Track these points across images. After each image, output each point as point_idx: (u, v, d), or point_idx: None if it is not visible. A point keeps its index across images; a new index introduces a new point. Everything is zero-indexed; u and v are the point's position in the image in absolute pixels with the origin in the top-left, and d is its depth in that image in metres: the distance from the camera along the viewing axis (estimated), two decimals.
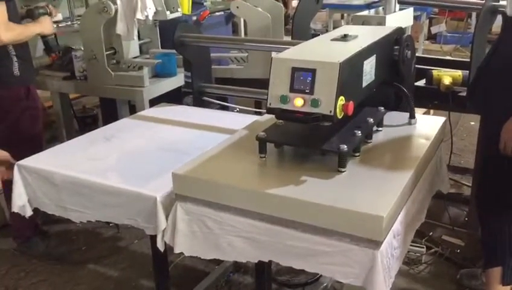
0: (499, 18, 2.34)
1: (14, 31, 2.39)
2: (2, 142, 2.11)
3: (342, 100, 1.39)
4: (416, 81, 2.21)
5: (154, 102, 2.75)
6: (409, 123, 1.81)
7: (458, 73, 2.49)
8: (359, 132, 1.51)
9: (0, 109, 2.52)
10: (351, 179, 1.43)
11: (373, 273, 1.27)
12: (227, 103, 2.88)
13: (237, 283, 2.54)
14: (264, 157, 1.54)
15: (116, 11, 2.76)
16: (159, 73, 3.00)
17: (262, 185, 1.41)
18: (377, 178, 1.44)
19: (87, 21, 2.85)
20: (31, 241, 2.80)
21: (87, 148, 1.99)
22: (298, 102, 1.40)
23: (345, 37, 1.65)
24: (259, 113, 2.45)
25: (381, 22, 2.54)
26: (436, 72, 2.52)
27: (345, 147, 1.42)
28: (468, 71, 2.37)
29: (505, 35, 2.01)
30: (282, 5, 3.54)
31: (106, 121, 3.02)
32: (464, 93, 2.40)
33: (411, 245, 2.46)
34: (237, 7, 3.05)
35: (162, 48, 3.15)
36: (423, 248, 2.63)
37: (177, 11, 2.96)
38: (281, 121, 1.57)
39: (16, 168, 1.85)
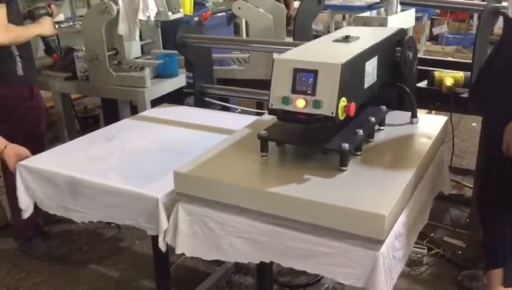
0: (501, 19, 2.34)
1: (13, 32, 2.40)
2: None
3: (343, 101, 1.39)
4: (418, 83, 2.21)
5: (155, 103, 2.75)
6: (411, 122, 1.81)
7: (460, 74, 2.48)
8: (361, 131, 1.51)
9: (4, 109, 2.53)
10: (353, 178, 1.43)
11: (374, 275, 1.27)
12: (229, 103, 2.88)
13: (238, 283, 2.54)
14: (266, 156, 1.54)
15: (118, 11, 2.76)
16: (161, 74, 3.00)
17: (264, 183, 1.41)
18: (379, 177, 1.44)
19: (89, 21, 2.85)
20: (32, 241, 2.80)
21: (89, 148, 1.99)
22: (300, 103, 1.40)
23: (346, 38, 1.65)
24: (261, 114, 2.44)
25: (382, 23, 2.54)
26: (438, 73, 2.52)
27: (347, 145, 1.42)
28: (470, 72, 2.37)
29: (506, 36, 2.01)
30: (283, 6, 3.55)
31: (107, 122, 3.02)
32: (466, 95, 2.39)
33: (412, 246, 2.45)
34: (239, 8, 3.05)
35: (163, 48, 3.15)
36: (424, 249, 2.63)
37: (178, 11, 2.96)
38: None
39: (17, 168, 1.85)
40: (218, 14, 3.81)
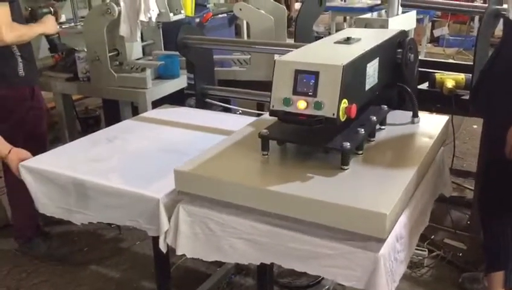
0: (502, 21, 2.34)
1: (17, 31, 2.40)
2: (7, 142, 2.11)
3: (345, 103, 1.39)
4: (419, 85, 2.21)
5: (156, 104, 2.76)
6: (412, 122, 1.81)
7: (461, 76, 2.48)
8: (362, 130, 1.51)
9: (5, 109, 2.53)
10: (354, 177, 1.43)
11: (375, 277, 1.26)
12: (230, 105, 2.88)
13: (239, 285, 2.53)
14: (267, 154, 1.55)
15: (120, 12, 2.77)
16: (162, 75, 3.01)
17: (265, 182, 1.41)
18: (380, 176, 1.44)
19: (91, 22, 2.85)
20: (33, 242, 2.80)
21: (90, 149, 1.99)
22: (301, 104, 1.41)
23: (348, 40, 1.65)
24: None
25: (384, 24, 2.54)
26: (439, 75, 2.52)
27: (348, 144, 1.42)
28: (471, 74, 2.37)
29: (507, 38, 2.01)
30: (285, 7, 3.55)
31: (109, 123, 3.03)
32: (467, 97, 2.39)
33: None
34: (240, 9, 3.05)
35: (165, 49, 3.15)
36: (425, 251, 2.63)
37: (180, 13, 2.97)
38: None
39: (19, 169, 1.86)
40: (220, 16, 3.81)
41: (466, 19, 7.55)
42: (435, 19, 7.52)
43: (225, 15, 3.85)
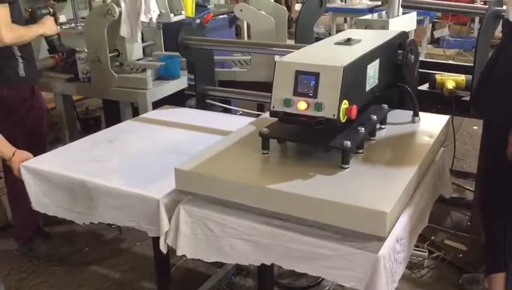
0: None
1: (17, 32, 2.40)
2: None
3: (345, 104, 1.40)
4: (419, 86, 2.21)
5: (157, 104, 2.76)
6: (413, 121, 1.81)
7: (461, 77, 2.48)
8: (362, 129, 1.51)
9: (5, 109, 2.53)
10: (355, 176, 1.43)
11: (375, 277, 1.27)
12: (230, 105, 2.88)
13: (239, 285, 2.53)
14: (267, 153, 1.55)
15: (120, 13, 2.77)
16: (163, 75, 3.01)
17: (265, 181, 1.41)
18: (381, 175, 1.44)
19: (91, 23, 2.85)
20: (33, 242, 2.80)
21: (90, 150, 2.00)
22: (302, 105, 1.41)
23: (348, 41, 1.65)
24: None
25: (384, 25, 2.55)
26: (440, 76, 2.52)
27: (349, 143, 1.42)
28: (471, 76, 2.37)
29: (506, 40, 2.01)
30: (285, 8, 3.55)
31: (109, 123, 3.03)
32: (467, 98, 2.39)
33: (413, 249, 2.45)
34: (241, 10, 3.05)
35: (165, 50, 3.15)
36: (425, 252, 2.63)
37: (180, 13, 2.97)
38: None
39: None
40: (220, 16, 3.81)
41: (466, 20, 7.56)
42: (435, 20, 7.53)
43: (226, 16, 3.85)
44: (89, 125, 4.26)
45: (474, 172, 3.14)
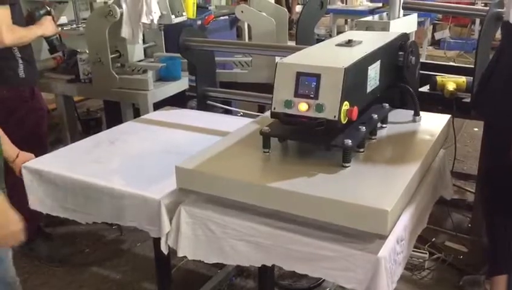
0: None
1: (18, 33, 2.41)
2: None
3: (346, 105, 1.40)
4: (420, 87, 2.21)
5: (158, 105, 2.76)
6: (414, 120, 1.81)
7: (462, 79, 2.49)
8: (363, 128, 1.51)
9: (6, 110, 2.53)
10: (356, 174, 1.43)
11: (376, 279, 1.27)
12: (231, 107, 2.88)
13: (239, 287, 2.53)
14: (268, 152, 1.55)
15: (122, 14, 2.77)
16: (164, 76, 3.01)
17: (266, 179, 1.41)
18: (382, 173, 1.44)
19: (93, 24, 2.86)
20: (34, 243, 2.80)
21: (92, 151, 2.00)
22: (302, 107, 1.41)
23: (349, 43, 1.66)
24: None
25: (385, 27, 2.55)
26: (440, 78, 2.52)
27: (350, 142, 1.42)
28: (472, 77, 2.38)
29: (506, 42, 2.01)
30: (286, 9, 3.56)
31: (110, 124, 3.03)
32: (468, 100, 2.40)
33: (414, 251, 2.45)
34: (242, 12, 3.05)
35: (166, 51, 3.16)
36: (426, 253, 2.63)
37: (182, 15, 2.97)
38: None
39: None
40: (221, 18, 3.82)
41: (467, 21, 7.56)
42: (436, 21, 7.53)
43: (227, 17, 3.86)
44: (90, 126, 4.27)
45: (474, 174, 3.14)
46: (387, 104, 1.73)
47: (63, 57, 3.17)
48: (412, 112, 1.82)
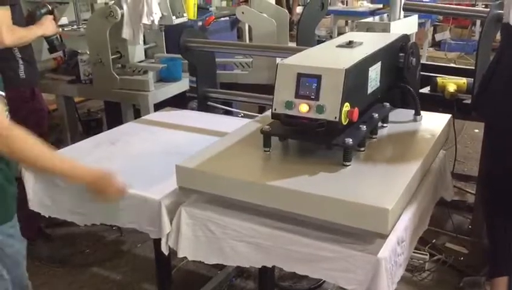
0: None
1: (18, 34, 2.41)
2: None
3: (347, 106, 1.40)
4: (420, 88, 2.21)
5: (159, 106, 2.76)
6: (415, 120, 1.81)
7: (463, 80, 2.49)
8: (364, 127, 1.51)
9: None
10: (356, 173, 1.43)
11: (376, 280, 1.27)
12: (232, 108, 2.88)
13: (240, 288, 2.53)
14: (269, 151, 1.55)
15: (122, 15, 2.78)
16: (164, 77, 3.01)
17: (266, 178, 1.41)
18: (383, 172, 1.44)
19: (94, 25, 2.86)
20: (34, 243, 2.80)
21: (92, 151, 2.00)
22: (303, 108, 1.41)
23: (350, 44, 1.66)
24: None
25: (385, 28, 2.55)
26: (441, 79, 2.52)
27: (350, 140, 1.42)
28: (472, 79, 2.38)
29: (506, 43, 2.01)
30: (286, 11, 3.56)
31: (110, 125, 3.03)
32: (469, 101, 2.40)
33: (414, 252, 2.45)
34: (242, 13, 3.06)
35: (167, 52, 3.16)
36: (426, 255, 2.62)
37: (182, 16, 2.98)
38: None
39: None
40: (222, 19, 3.82)
41: (467, 23, 7.56)
42: (436, 23, 7.53)
43: (227, 18, 3.86)
44: (90, 127, 4.27)
45: (475, 175, 3.14)
46: (388, 104, 1.73)
47: (63, 58, 3.17)
48: (413, 111, 1.82)
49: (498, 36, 2.60)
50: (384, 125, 1.74)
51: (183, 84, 2.97)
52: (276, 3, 3.49)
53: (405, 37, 1.84)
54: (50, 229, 2.95)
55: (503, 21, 2.02)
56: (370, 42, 1.71)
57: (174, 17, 2.92)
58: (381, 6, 5.33)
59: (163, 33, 3.14)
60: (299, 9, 7.60)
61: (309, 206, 1.32)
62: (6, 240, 1.48)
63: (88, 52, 2.96)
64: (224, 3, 4.65)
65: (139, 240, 2.89)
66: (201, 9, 3.58)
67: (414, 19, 2.86)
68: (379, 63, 1.62)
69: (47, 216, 1.89)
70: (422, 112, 1.82)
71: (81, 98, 4.18)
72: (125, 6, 2.78)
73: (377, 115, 1.62)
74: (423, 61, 3.96)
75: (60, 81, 3.14)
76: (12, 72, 2.52)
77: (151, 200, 1.60)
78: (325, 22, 6.62)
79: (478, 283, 2.42)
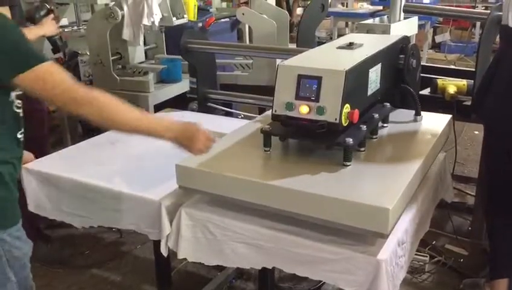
0: None
1: None
2: None
3: (347, 108, 1.40)
4: (420, 90, 2.21)
5: (159, 107, 2.76)
6: (415, 120, 1.81)
7: (463, 82, 2.49)
8: (364, 127, 1.52)
9: None
10: (357, 173, 1.43)
11: (377, 281, 1.27)
12: (232, 109, 2.89)
13: (239, 289, 2.53)
14: (269, 150, 1.55)
15: (123, 16, 2.78)
16: (164, 78, 3.02)
17: (266, 177, 1.41)
18: (383, 172, 1.45)
19: (94, 26, 2.86)
20: (34, 245, 2.79)
21: (92, 152, 2.00)
22: (304, 109, 1.41)
23: (350, 45, 1.66)
24: None
25: (385, 30, 2.55)
26: (441, 81, 2.52)
27: (351, 140, 1.42)
28: (472, 80, 2.38)
29: (506, 46, 2.01)
30: (287, 12, 3.56)
31: None
32: (469, 103, 2.40)
33: (414, 254, 2.45)
34: (243, 14, 3.06)
35: (167, 53, 3.16)
36: (426, 256, 2.62)
37: (183, 17, 2.98)
38: None
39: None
40: (222, 20, 3.83)
41: (467, 25, 7.56)
42: (436, 25, 7.53)
43: (228, 20, 3.87)
44: (90, 128, 4.26)
45: (475, 177, 3.14)
46: (388, 104, 1.73)
47: (63, 59, 3.17)
48: (413, 112, 1.82)
49: (498, 38, 2.61)
50: (385, 125, 1.74)
51: (183, 85, 2.97)
52: (276, 5, 3.50)
53: (405, 39, 1.84)
54: (49, 230, 2.94)
55: (502, 23, 2.02)
56: (370, 44, 1.71)
57: (174, 18, 2.92)
58: (381, 8, 5.34)
59: (164, 34, 3.14)
60: (299, 11, 7.62)
61: (309, 205, 1.32)
62: (14, 242, 1.49)
63: (88, 53, 2.96)
64: (224, 5, 4.65)
65: (138, 241, 2.89)
66: (202, 11, 3.59)
67: (414, 21, 2.86)
68: (379, 65, 1.62)
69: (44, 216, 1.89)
70: (422, 113, 1.82)
71: None
72: (125, 7, 2.78)
73: (377, 115, 1.62)
74: (423, 63, 3.96)
75: None
76: None
77: (151, 202, 1.60)
78: (325, 23, 6.63)
79: (478, 285, 2.42)
